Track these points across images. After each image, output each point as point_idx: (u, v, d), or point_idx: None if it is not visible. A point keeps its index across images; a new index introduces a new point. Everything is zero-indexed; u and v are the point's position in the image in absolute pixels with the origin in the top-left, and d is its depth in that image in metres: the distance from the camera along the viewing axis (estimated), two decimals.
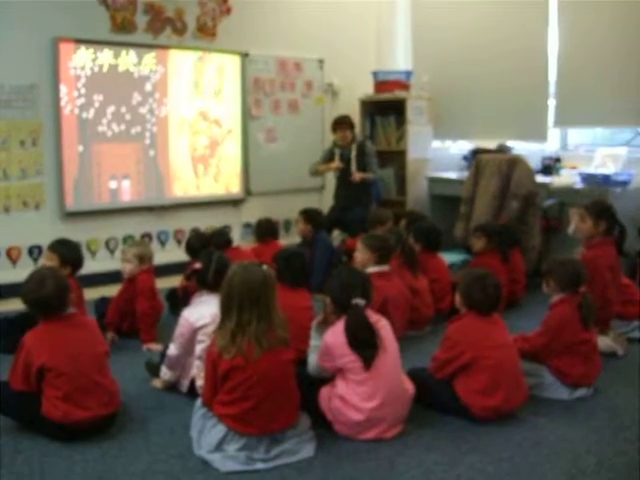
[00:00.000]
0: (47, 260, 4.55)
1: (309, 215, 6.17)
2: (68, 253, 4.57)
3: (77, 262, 4.62)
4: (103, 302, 4.97)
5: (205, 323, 3.64)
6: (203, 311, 3.70)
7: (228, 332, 3.01)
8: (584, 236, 4.73)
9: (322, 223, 6.23)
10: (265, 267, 3.17)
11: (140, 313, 4.62)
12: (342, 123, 6.74)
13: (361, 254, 4.62)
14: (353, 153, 6.67)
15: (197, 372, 3.67)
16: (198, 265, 3.91)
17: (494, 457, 3.10)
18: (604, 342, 4.26)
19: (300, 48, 7.45)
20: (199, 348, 3.67)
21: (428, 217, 6.29)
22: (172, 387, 3.84)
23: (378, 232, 5.29)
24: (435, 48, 7.72)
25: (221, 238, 5.60)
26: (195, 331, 3.68)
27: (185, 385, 3.78)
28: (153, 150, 6.58)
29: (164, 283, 5.19)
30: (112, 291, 5.08)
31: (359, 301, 3.32)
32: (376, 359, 3.23)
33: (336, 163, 6.70)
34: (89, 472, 2.97)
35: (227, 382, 3.01)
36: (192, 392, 3.66)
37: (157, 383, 3.94)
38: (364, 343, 3.24)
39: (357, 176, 6.56)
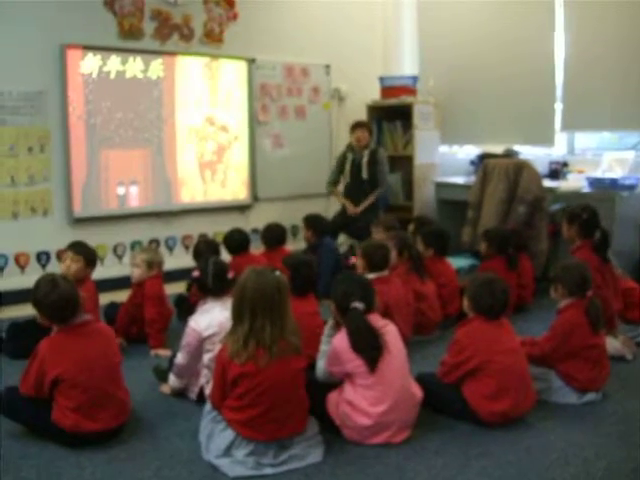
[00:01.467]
0: (72, 262, 4.54)
1: (310, 221, 6.18)
2: (90, 253, 4.63)
3: (88, 253, 4.66)
4: (112, 308, 4.98)
5: (213, 332, 3.63)
6: (210, 320, 3.68)
7: (240, 337, 2.99)
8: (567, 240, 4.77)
9: (324, 229, 6.21)
10: (278, 273, 3.17)
11: (148, 319, 4.63)
12: (362, 125, 6.80)
13: (358, 261, 4.65)
14: (364, 159, 6.68)
15: (205, 381, 3.68)
16: (197, 273, 3.91)
17: (502, 461, 3.10)
18: (613, 346, 4.26)
19: (307, 54, 7.47)
20: (207, 357, 3.67)
21: (436, 222, 6.27)
22: (180, 393, 3.84)
23: (381, 238, 5.31)
24: (441, 53, 7.72)
25: (236, 240, 5.61)
26: (203, 340, 3.66)
27: (194, 392, 3.78)
28: (160, 156, 6.60)
29: (172, 289, 5.19)
30: (120, 297, 5.11)
31: (357, 305, 3.32)
32: (383, 364, 3.23)
33: (352, 209, 6.71)
34: (97, 477, 2.98)
35: (236, 388, 3.01)
36: (201, 399, 3.66)
37: (165, 389, 3.94)
38: (367, 346, 3.24)
39: (357, 211, 6.63)
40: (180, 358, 3.76)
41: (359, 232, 6.38)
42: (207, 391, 3.59)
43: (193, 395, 3.79)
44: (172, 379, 3.84)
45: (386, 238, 5.22)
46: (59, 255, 5.92)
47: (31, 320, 4.21)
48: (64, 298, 3.23)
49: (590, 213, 4.68)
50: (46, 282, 3.32)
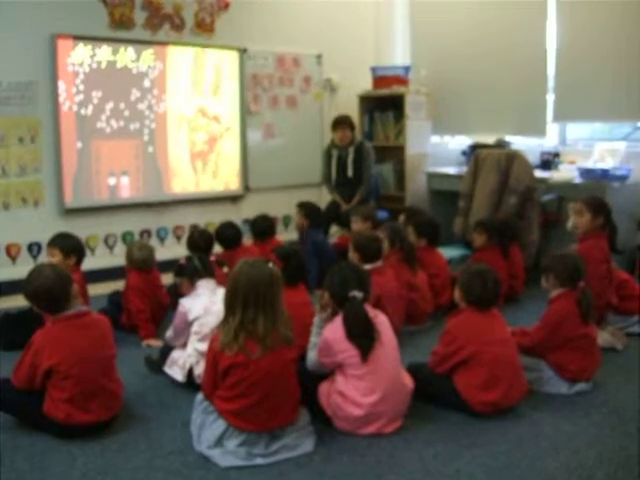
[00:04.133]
0: (50, 257, 4.56)
1: (307, 209, 6.17)
2: (69, 244, 4.60)
3: (80, 251, 4.65)
4: (116, 296, 5.00)
5: (198, 315, 3.80)
6: (196, 303, 3.87)
7: (232, 329, 3.00)
8: (581, 231, 4.76)
9: (319, 219, 6.24)
10: (271, 264, 3.17)
11: (133, 310, 4.71)
12: (342, 122, 6.73)
13: (351, 253, 4.64)
14: (350, 157, 6.66)
15: (195, 361, 3.74)
16: (182, 261, 4.19)
17: (493, 451, 3.11)
18: (602, 337, 4.27)
19: (298, 43, 7.45)
20: (195, 339, 3.78)
21: (426, 212, 6.27)
22: (174, 381, 3.87)
23: (359, 227, 5.37)
24: (433, 43, 7.71)
25: (228, 235, 5.58)
26: (188, 322, 3.83)
27: (182, 374, 3.81)
28: (152, 146, 6.59)
29: (163, 279, 5.17)
30: (110, 288, 5.11)
31: (356, 293, 3.33)
32: (375, 354, 3.24)
33: (344, 207, 6.70)
34: (89, 468, 2.98)
35: (228, 378, 3.01)
36: (190, 382, 3.73)
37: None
38: (362, 334, 3.25)
39: (347, 208, 6.63)
40: (168, 333, 4.02)
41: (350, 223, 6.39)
42: (196, 372, 3.69)
43: (180, 377, 3.82)
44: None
45: (366, 228, 5.28)
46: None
47: (24, 311, 4.20)
48: (46, 288, 3.22)
49: (608, 205, 4.73)
50: (32, 272, 3.33)
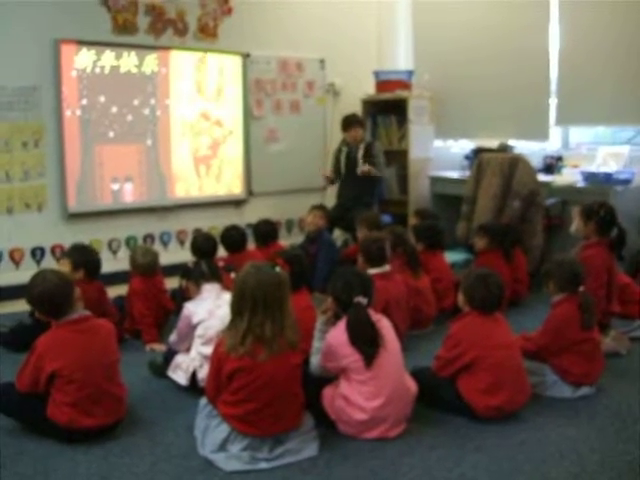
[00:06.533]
0: (61, 266, 4.58)
1: (328, 212, 6.26)
2: (77, 258, 4.56)
3: (90, 266, 4.60)
4: (119, 301, 5.00)
5: (202, 318, 3.81)
6: (201, 307, 3.87)
7: (239, 333, 2.99)
8: (579, 236, 4.77)
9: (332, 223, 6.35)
10: (278, 268, 3.17)
11: (136, 314, 4.71)
12: (354, 122, 6.74)
13: (359, 259, 4.64)
14: (360, 153, 6.66)
15: (199, 364, 3.74)
16: (191, 264, 4.29)
17: (497, 456, 3.11)
18: (604, 344, 4.24)
19: (301, 48, 7.45)
20: (199, 342, 3.78)
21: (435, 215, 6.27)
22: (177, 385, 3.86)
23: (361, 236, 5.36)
24: (436, 47, 7.71)
25: (233, 238, 5.57)
26: (192, 326, 3.83)
27: (185, 378, 3.81)
28: (155, 151, 6.59)
29: (167, 284, 5.18)
30: (114, 292, 5.11)
31: (361, 299, 3.33)
32: (379, 359, 3.24)
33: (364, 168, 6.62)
34: (93, 472, 2.98)
35: (233, 383, 3.01)
36: (193, 386, 3.74)
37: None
38: (366, 340, 3.25)
39: (364, 168, 6.53)
40: (172, 337, 4.03)
41: (354, 226, 6.37)
42: (200, 375, 3.69)
43: (184, 381, 3.82)
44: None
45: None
46: (53, 250, 5.96)
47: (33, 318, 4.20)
48: (49, 292, 3.23)
49: (607, 210, 4.68)
50: (36, 276, 3.35)
